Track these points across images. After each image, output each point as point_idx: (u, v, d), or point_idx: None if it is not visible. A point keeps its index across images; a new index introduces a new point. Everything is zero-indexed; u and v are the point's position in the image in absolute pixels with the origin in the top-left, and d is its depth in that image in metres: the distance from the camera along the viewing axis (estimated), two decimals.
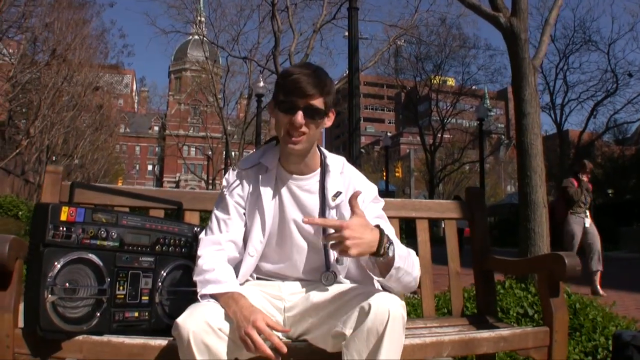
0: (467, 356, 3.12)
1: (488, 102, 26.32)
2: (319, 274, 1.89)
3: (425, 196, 35.27)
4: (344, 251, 1.56)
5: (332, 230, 1.60)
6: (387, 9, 43.11)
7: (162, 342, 1.73)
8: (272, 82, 19.04)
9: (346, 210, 1.86)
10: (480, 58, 47.76)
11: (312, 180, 1.93)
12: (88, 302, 1.75)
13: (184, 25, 24.54)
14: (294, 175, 1.92)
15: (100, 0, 22.88)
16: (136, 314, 1.89)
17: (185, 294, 1.94)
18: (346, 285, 1.84)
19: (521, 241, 4.35)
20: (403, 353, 1.89)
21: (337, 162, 1.97)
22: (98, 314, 1.77)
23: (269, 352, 1.55)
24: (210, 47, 26.67)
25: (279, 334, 1.80)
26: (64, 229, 1.71)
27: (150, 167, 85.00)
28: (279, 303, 1.90)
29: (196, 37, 25.72)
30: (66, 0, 16.80)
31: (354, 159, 10.67)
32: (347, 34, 11.01)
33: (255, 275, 1.98)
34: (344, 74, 20.57)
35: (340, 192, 1.91)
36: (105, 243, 1.82)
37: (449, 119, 35.23)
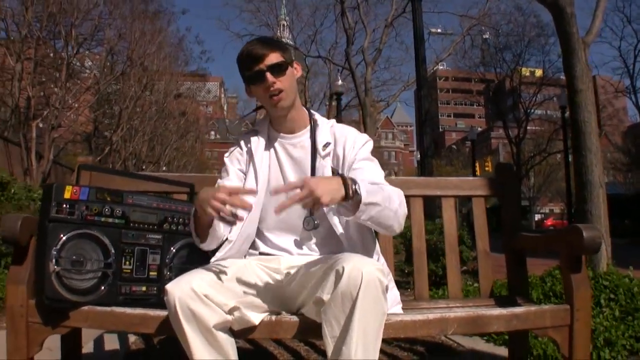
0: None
1: None
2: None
3: None
4: (316, 202, 1.56)
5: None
6: (460, 0, 41.87)
7: (160, 312, 1.78)
8: (351, 80, 19.23)
9: (335, 161, 1.97)
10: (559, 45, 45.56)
11: (304, 137, 2.02)
12: (94, 275, 1.86)
13: (258, 27, 24.99)
14: (286, 135, 2.03)
15: (172, 8, 23.47)
16: (144, 288, 1.98)
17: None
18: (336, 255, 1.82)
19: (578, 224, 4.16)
20: (405, 329, 1.87)
21: (325, 119, 2.09)
22: (103, 287, 1.87)
23: (225, 209, 1.63)
24: (294, 50, 27.07)
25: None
26: (67, 206, 1.83)
27: None
28: (278, 276, 1.92)
29: (284, 41, 26.12)
30: (138, 11, 17.55)
31: (425, 150, 10.45)
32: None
33: (258, 252, 2.02)
34: (430, 68, 20.35)
35: (330, 143, 1.99)
36: (110, 220, 1.92)
37: (533, 110, 34.12)
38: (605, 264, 3.86)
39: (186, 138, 26.94)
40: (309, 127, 2.04)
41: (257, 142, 2.03)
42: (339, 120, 18.79)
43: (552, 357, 2.73)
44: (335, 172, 1.93)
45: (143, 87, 18.33)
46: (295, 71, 1.99)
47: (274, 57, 1.89)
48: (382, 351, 2.95)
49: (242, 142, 2.07)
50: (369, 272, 1.56)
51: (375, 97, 23.88)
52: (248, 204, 1.66)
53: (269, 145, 2.04)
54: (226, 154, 2.09)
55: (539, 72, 34.63)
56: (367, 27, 19.37)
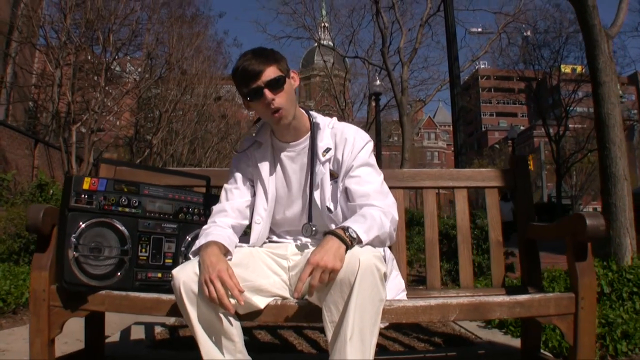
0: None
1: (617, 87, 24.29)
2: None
3: None
4: (333, 272, 1.62)
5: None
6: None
7: (172, 297, 1.88)
8: (389, 81, 19.23)
9: (335, 164, 2.00)
10: None
11: (305, 143, 2.05)
12: (111, 262, 1.98)
13: (295, 29, 25.22)
14: (290, 143, 2.06)
15: (209, 12, 23.82)
16: (159, 275, 2.09)
17: None
18: None
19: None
20: (406, 314, 1.91)
21: (326, 119, 2.09)
22: (120, 273, 1.99)
23: (228, 304, 1.66)
24: (335, 52, 27.19)
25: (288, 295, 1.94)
26: (86, 196, 1.95)
27: None
28: (284, 262, 2.00)
29: (322, 42, 26.29)
30: (176, 15, 17.90)
31: (459, 149, 10.35)
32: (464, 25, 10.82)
33: (268, 240, 2.11)
34: (465, 66, 20.24)
35: (330, 148, 2.01)
36: (127, 209, 2.04)
37: (573, 107, 33.45)
38: (630, 257, 3.82)
39: (227, 140, 27.18)
40: (310, 133, 2.06)
41: (262, 156, 2.07)
42: (378, 120, 18.86)
43: (567, 349, 2.73)
44: (334, 175, 2.00)
45: (182, 90, 18.67)
46: (293, 80, 2.00)
47: (271, 72, 1.90)
48: (399, 342, 3.04)
49: (247, 156, 2.11)
50: (366, 259, 1.62)
51: (414, 97, 23.84)
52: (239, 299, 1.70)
53: (273, 155, 2.08)
54: (233, 161, 2.15)
55: (579, 69, 33.91)
56: (402, 26, 19.39)
